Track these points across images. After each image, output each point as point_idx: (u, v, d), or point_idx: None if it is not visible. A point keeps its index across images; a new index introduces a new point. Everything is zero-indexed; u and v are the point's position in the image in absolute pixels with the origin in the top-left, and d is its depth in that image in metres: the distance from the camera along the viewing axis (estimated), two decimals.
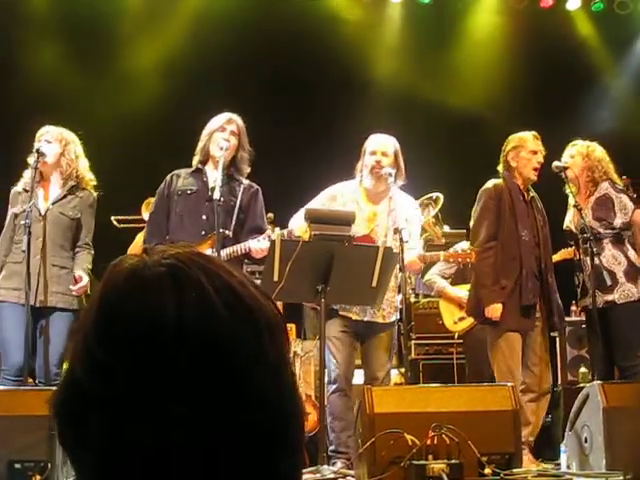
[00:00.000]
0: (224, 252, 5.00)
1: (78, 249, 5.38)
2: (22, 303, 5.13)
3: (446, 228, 7.56)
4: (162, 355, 0.78)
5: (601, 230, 5.66)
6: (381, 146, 5.38)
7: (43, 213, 5.29)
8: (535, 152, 5.54)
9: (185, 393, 0.78)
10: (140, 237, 6.80)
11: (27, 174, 5.34)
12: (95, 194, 5.48)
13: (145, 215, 6.64)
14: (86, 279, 5.22)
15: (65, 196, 5.37)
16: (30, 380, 5.26)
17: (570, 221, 5.83)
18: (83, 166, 5.46)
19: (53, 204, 5.34)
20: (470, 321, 6.49)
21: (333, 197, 5.41)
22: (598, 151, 5.78)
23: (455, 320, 6.65)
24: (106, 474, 0.80)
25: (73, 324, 5.27)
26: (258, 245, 5.03)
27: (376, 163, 5.30)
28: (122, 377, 0.78)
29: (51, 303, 5.21)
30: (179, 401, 0.78)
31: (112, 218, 7.08)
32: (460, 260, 5.45)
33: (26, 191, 5.30)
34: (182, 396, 0.78)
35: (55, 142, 5.35)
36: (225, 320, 0.80)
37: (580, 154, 5.76)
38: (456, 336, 6.76)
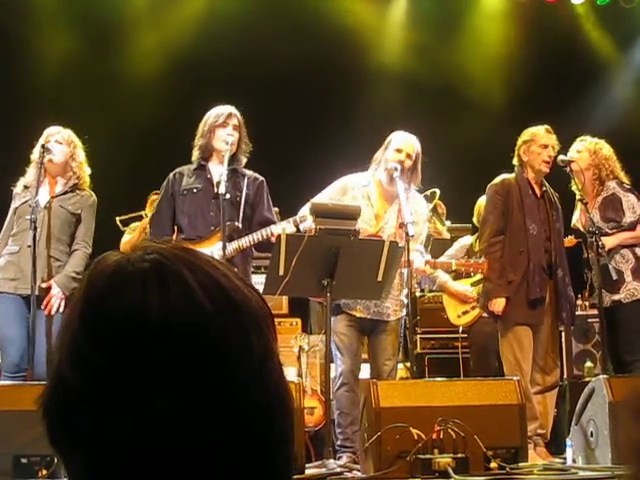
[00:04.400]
0: (243, 240, 4.98)
1: (76, 246, 5.36)
2: (19, 293, 5.15)
3: (447, 223, 7.54)
4: (147, 351, 0.78)
5: (609, 230, 5.63)
6: (407, 146, 5.26)
7: (43, 205, 5.27)
8: (546, 146, 5.50)
9: (171, 389, 0.78)
10: (130, 235, 6.74)
11: (30, 171, 5.35)
12: (94, 197, 5.47)
13: (149, 213, 6.60)
14: (54, 291, 5.12)
15: (66, 192, 5.38)
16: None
17: (577, 219, 5.81)
18: (87, 172, 5.47)
19: (54, 197, 5.34)
20: (474, 315, 6.48)
21: (344, 190, 5.31)
22: (606, 149, 5.75)
23: (459, 314, 6.64)
24: (97, 472, 0.80)
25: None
26: (281, 228, 5.00)
27: (398, 162, 5.19)
28: (108, 373, 0.78)
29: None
30: (165, 397, 0.78)
31: (117, 219, 6.99)
32: (472, 270, 5.41)
33: (26, 188, 5.31)
34: (168, 392, 0.78)
35: (65, 144, 5.37)
36: (210, 314, 0.80)
37: (587, 150, 5.72)
38: (461, 330, 6.76)
